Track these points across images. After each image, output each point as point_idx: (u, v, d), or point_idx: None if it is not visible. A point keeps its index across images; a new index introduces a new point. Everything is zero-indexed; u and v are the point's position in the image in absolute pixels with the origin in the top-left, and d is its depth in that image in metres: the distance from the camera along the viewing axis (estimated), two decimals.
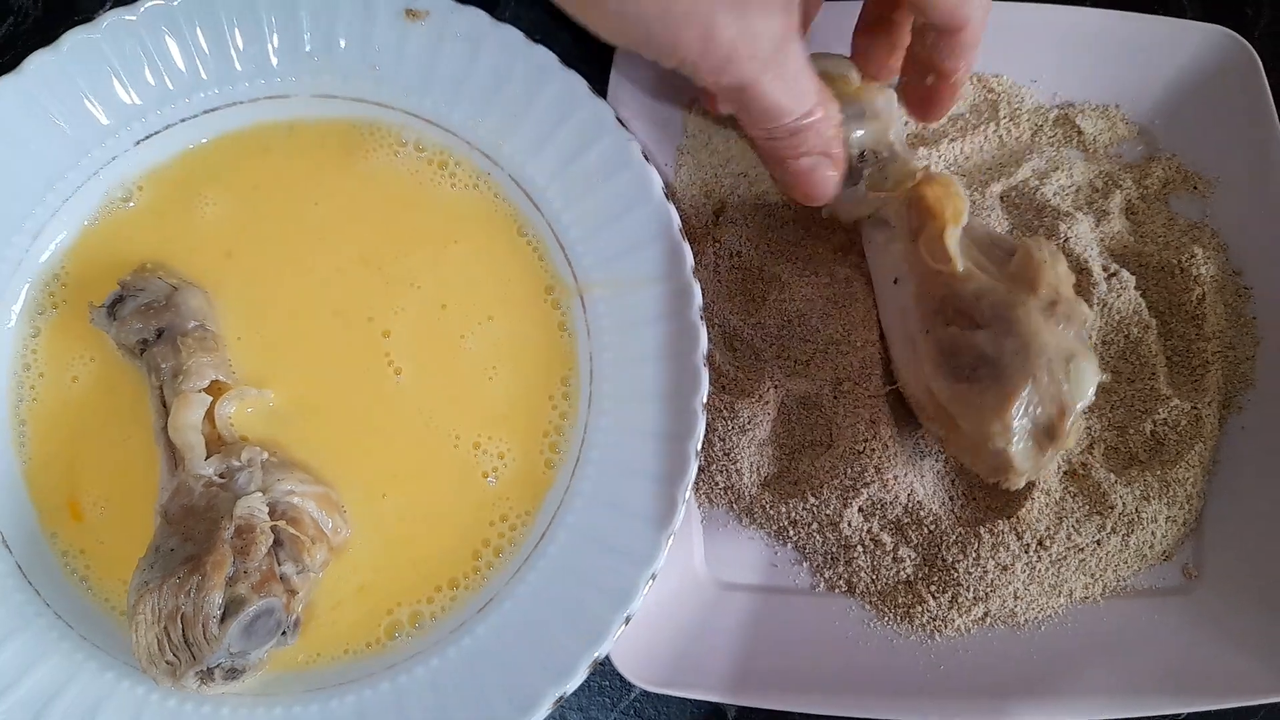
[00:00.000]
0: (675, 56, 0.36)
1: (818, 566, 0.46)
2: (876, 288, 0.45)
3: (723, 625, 0.45)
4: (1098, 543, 0.43)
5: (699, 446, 0.42)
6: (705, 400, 0.42)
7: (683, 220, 0.45)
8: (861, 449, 0.44)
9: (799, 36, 0.37)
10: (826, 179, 0.42)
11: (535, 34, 0.46)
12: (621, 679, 0.43)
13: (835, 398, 0.46)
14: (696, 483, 0.43)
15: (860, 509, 0.44)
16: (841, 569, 0.45)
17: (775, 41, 0.36)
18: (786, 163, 0.41)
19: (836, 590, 0.45)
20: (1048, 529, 0.43)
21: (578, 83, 0.46)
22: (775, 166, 0.42)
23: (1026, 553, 0.43)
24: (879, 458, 0.43)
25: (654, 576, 0.41)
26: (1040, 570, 0.43)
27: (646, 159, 0.45)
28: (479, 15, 0.46)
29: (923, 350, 0.40)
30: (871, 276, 0.45)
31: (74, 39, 0.45)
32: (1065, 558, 0.43)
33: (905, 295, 0.42)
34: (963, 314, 0.39)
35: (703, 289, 0.44)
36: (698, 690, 0.43)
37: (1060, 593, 0.44)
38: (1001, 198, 0.49)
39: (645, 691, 0.44)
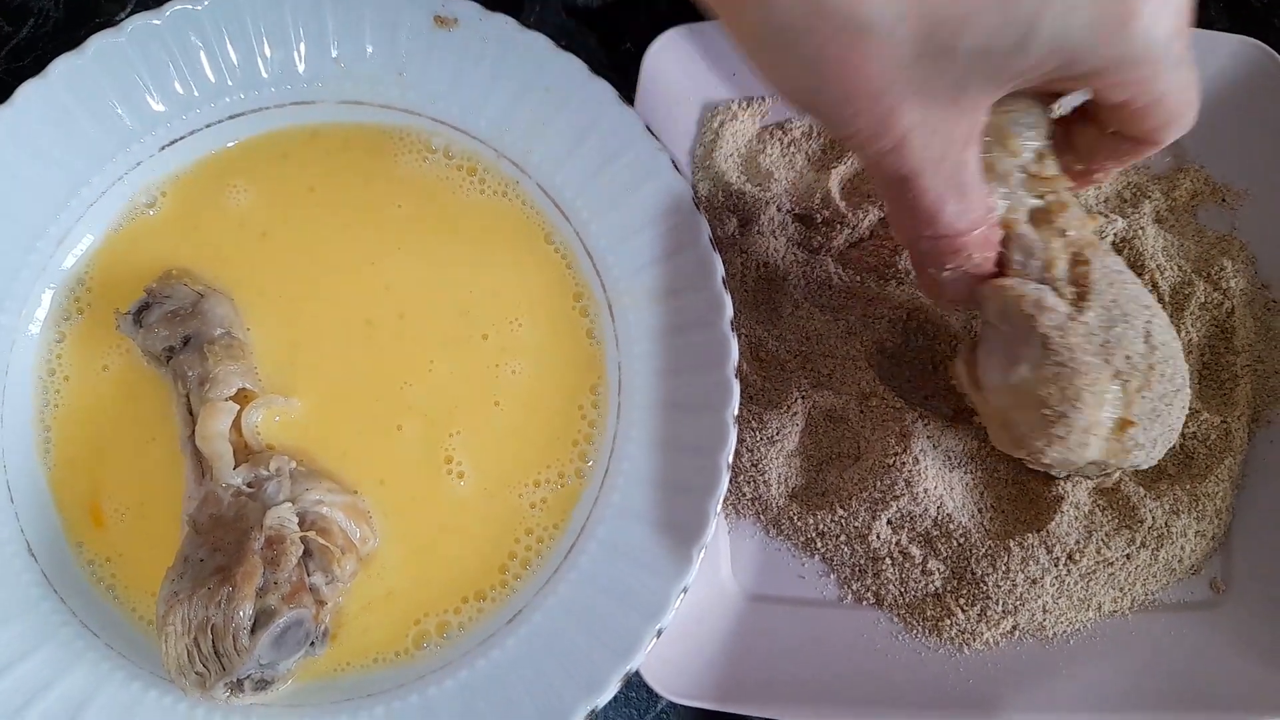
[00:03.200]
0: (848, 128, 0.32)
1: (845, 578, 0.46)
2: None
3: (749, 637, 0.45)
4: (1127, 556, 0.43)
5: (730, 459, 0.42)
6: (736, 413, 0.42)
7: (710, 229, 0.44)
8: (891, 462, 0.43)
9: (977, 143, 0.34)
10: (960, 293, 0.38)
11: (562, 41, 0.46)
12: (648, 690, 0.43)
13: (862, 411, 0.45)
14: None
15: (889, 521, 0.44)
16: (870, 581, 0.45)
17: (954, 143, 0.33)
18: (925, 268, 0.38)
19: (864, 602, 0.45)
20: (1077, 542, 0.43)
21: (606, 91, 0.45)
22: (914, 262, 0.39)
23: (1056, 566, 0.43)
24: (909, 471, 0.43)
25: (685, 590, 0.41)
26: (1069, 584, 0.43)
27: (676, 168, 0.45)
28: (507, 22, 0.46)
29: None
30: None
31: (98, 43, 0.45)
32: (1094, 571, 0.43)
33: None
34: None
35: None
36: (724, 702, 0.43)
37: (1089, 606, 0.44)
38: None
39: (672, 703, 0.43)
